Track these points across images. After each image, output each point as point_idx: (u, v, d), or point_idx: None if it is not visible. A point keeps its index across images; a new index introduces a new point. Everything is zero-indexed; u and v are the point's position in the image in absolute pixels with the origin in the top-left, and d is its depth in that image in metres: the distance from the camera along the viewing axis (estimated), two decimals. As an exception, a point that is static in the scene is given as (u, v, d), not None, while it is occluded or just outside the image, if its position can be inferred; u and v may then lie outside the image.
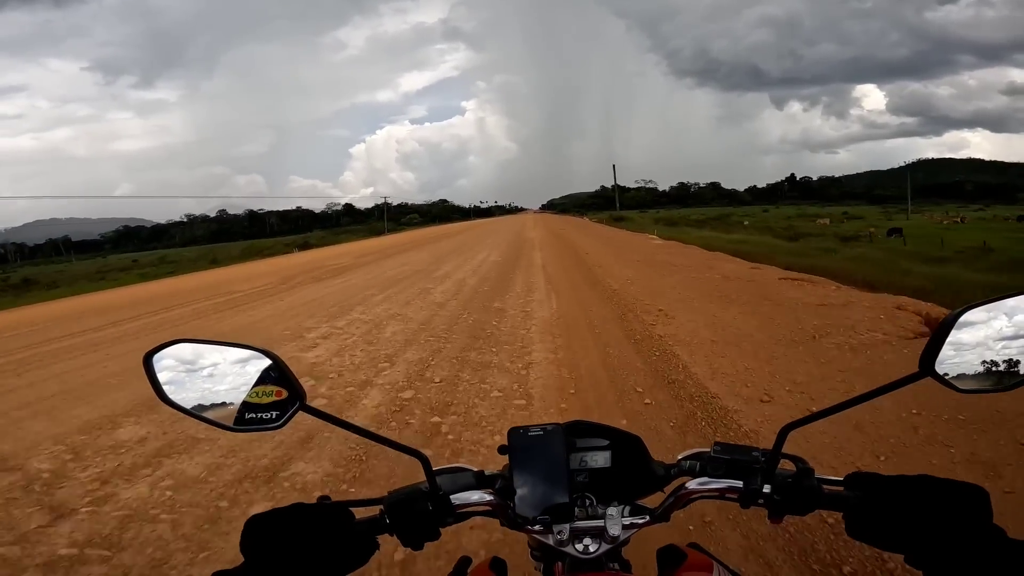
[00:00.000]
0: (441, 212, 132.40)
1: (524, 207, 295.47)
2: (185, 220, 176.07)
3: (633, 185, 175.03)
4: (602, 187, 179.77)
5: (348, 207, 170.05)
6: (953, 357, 0.53)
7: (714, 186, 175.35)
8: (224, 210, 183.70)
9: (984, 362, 0.53)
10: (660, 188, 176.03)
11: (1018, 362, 0.53)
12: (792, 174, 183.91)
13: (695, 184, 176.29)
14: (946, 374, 0.53)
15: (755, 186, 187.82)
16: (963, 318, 0.53)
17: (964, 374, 0.53)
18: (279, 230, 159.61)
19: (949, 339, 0.52)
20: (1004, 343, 0.53)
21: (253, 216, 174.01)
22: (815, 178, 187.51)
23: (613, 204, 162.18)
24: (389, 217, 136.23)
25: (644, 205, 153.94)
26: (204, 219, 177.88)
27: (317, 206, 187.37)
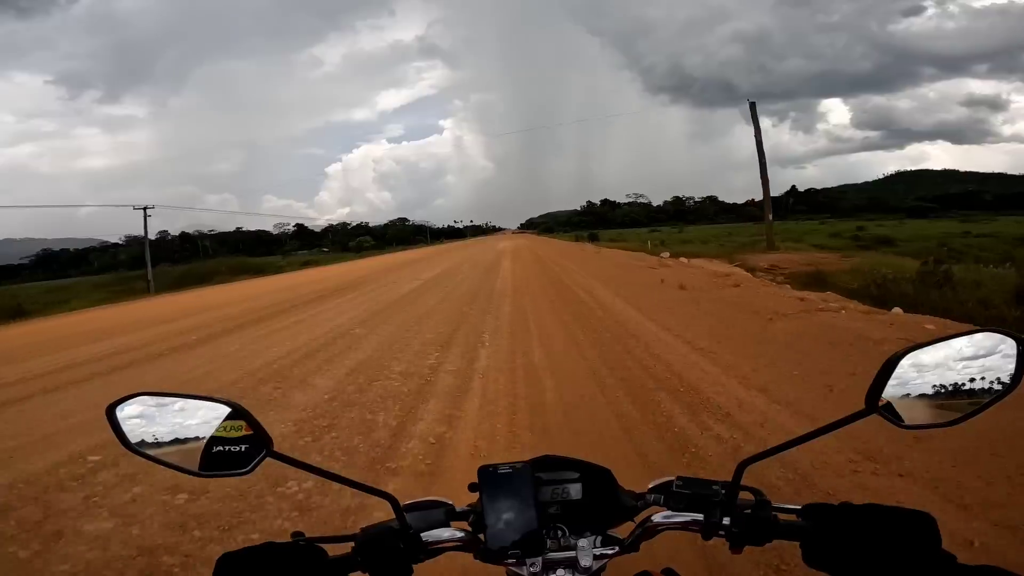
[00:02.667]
0: (399, 234, 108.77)
1: (502, 227, 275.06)
2: (123, 242, 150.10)
3: (624, 200, 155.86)
4: (588, 203, 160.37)
5: (299, 227, 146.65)
6: (897, 395, 0.55)
7: (712, 200, 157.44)
8: (166, 231, 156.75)
9: (926, 399, 0.55)
10: (654, 203, 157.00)
11: (958, 399, 0.55)
12: (793, 186, 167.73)
13: (690, 199, 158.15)
14: (890, 411, 0.55)
15: (753, 199, 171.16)
16: (906, 358, 0.55)
17: (907, 411, 0.55)
18: (214, 253, 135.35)
19: (893, 378, 0.54)
20: (946, 382, 0.55)
21: (186, 238, 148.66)
22: (819, 188, 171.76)
23: (605, 222, 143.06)
24: (340, 240, 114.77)
25: (638, 223, 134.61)
26: (139, 241, 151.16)
27: (269, 225, 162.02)
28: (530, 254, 26.94)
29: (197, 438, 0.59)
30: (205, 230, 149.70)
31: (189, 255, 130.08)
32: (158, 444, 0.61)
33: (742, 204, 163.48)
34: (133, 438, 0.61)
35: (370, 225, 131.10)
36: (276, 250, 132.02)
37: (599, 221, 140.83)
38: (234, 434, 0.58)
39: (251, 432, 0.59)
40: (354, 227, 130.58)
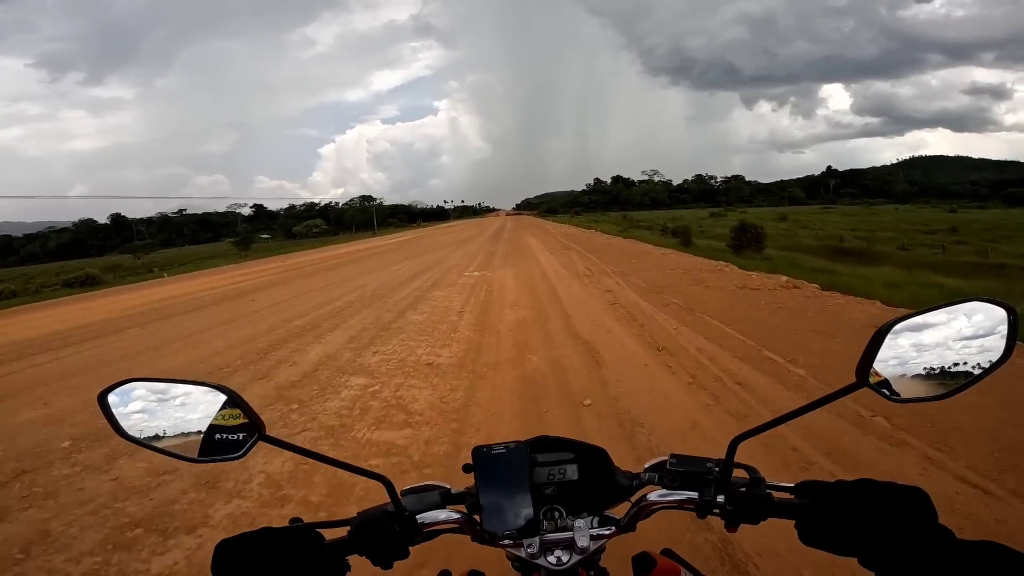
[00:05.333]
0: (358, 216, 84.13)
1: (496, 208, 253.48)
2: (73, 226, 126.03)
3: (640, 176, 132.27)
4: (596, 180, 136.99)
5: (258, 208, 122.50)
6: (887, 368, 0.54)
7: (738, 179, 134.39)
8: (119, 214, 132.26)
9: (917, 372, 0.54)
10: (675, 182, 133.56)
11: (949, 371, 0.54)
12: (830, 166, 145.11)
13: (712, 177, 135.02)
14: (881, 384, 0.54)
15: (782, 180, 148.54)
16: (895, 329, 0.53)
17: (898, 384, 0.54)
18: (153, 240, 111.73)
19: (882, 350, 0.53)
20: (935, 353, 0.54)
21: (119, 223, 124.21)
22: (864, 168, 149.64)
23: (618, 202, 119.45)
24: (286, 224, 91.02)
25: (660, 203, 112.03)
26: (89, 225, 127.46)
27: (219, 206, 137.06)
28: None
29: (197, 427, 0.59)
30: (198, 212, 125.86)
31: (124, 243, 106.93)
32: (154, 433, 0.60)
33: (773, 183, 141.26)
34: (129, 426, 0.61)
35: (338, 205, 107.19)
36: (224, 234, 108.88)
37: (612, 201, 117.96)
38: (232, 422, 0.58)
39: (247, 421, 0.58)
40: (319, 208, 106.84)
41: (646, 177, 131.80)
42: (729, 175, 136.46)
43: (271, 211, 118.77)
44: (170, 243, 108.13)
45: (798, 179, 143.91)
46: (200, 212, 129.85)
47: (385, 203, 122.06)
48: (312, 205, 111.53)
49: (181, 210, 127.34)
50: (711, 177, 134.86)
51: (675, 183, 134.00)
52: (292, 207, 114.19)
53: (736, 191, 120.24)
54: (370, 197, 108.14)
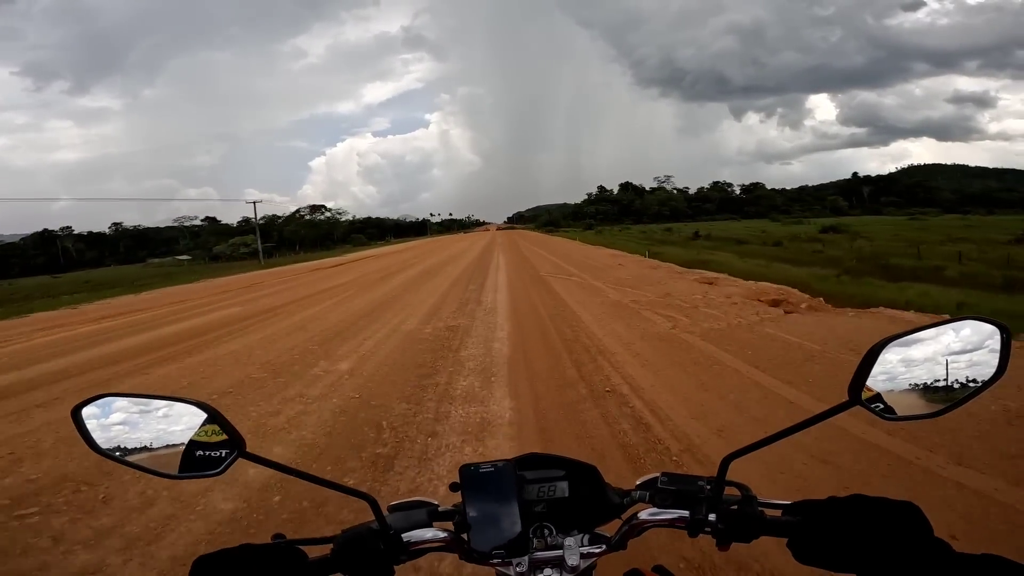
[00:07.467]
0: (306, 232, 65.53)
1: (487, 221, 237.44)
2: (20, 241, 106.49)
3: (652, 184, 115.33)
4: (601, 188, 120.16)
5: (211, 221, 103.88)
6: (880, 386, 0.54)
7: (758, 187, 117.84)
8: (46, 229, 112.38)
9: (910, 390, 0.54)
10: (691, 190, 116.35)
11: (940, 390, 0.54)
12: (855, 173, 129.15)
13: (729, 185, 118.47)
14: (874, 402, 0.54)
15: (804, 186, 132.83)
16: (888, 348, 0.54)
17: (891, 402, 0.54)
18: (81, 259, 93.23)
19: (874, 369, 0.53)
20: (928, 371, 0.54)
21: (45, 239, 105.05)
22: (894, 173, 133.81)
23: (630, 213, 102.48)
24: (214, 239, 72.34)
25: (681, 215, 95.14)
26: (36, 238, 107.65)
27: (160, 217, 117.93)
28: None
29: (175, 443, 0.58)
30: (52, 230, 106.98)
31: (50, 262, 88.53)
32: (131, 449, 0.58)
33: (797, 190, 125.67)
34: (104, 442, 0.59)
35: (296, 215, 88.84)
36: (163, 251, 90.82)
37: (622, 212, 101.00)
38: (212, 438, 0.57)
39: (227, 436, 0.58)
40: (281, 220, 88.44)
41: (657, 184, 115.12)
42: (749, 183, 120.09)
43: (227, 225, 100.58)
44: (100, 262, 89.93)
45: (834, 183, 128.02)
46: (140, 227, 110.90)
47: (378, 216, 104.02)
48: (274, 218, 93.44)
49: (116, 224, 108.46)
50: (728, 184, 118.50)
51: (692, 191, 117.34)
52: (247, 220, 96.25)
53: (767, 199, 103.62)
54: (322, 207, 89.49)
